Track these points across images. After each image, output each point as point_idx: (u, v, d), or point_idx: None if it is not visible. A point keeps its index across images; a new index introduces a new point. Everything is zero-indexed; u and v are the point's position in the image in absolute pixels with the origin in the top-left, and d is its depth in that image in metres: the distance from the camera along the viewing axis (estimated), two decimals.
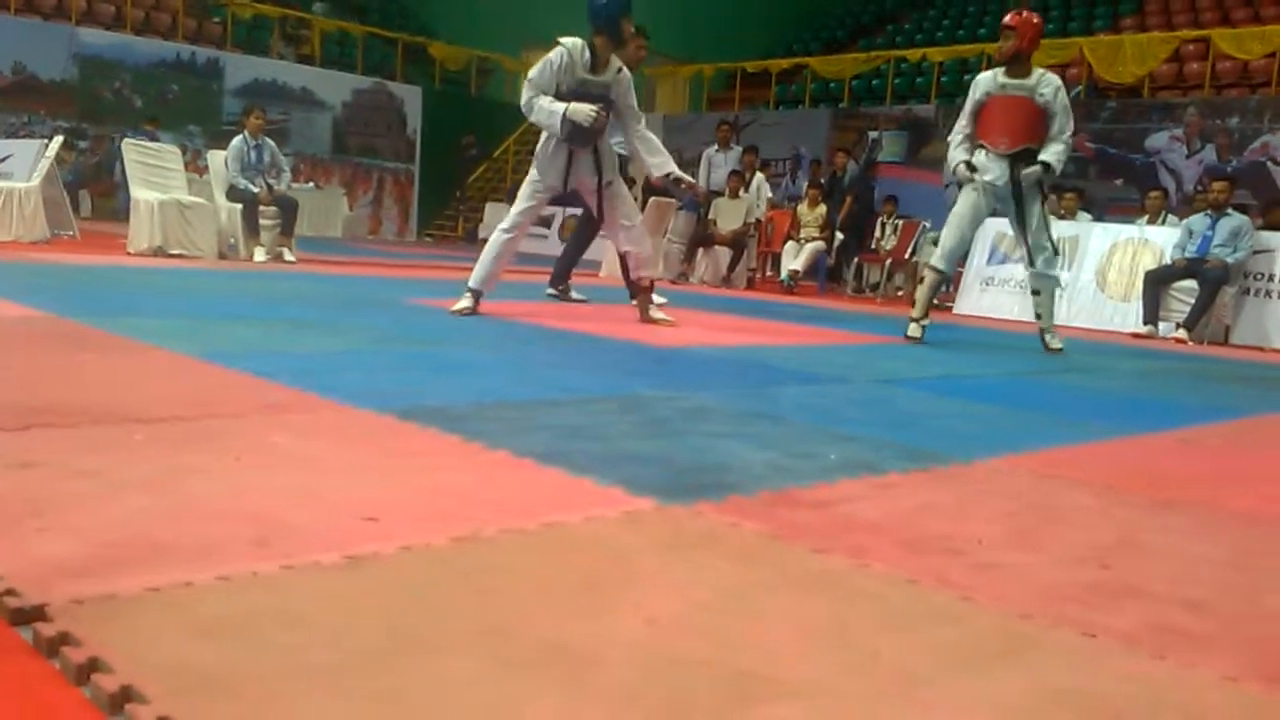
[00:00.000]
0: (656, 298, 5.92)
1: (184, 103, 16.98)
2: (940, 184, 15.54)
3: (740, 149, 11.91)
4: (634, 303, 5.79)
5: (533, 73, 5.09)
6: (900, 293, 11.48)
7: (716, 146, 11.64)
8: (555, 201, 5.47)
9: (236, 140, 8.82)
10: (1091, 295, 8.64)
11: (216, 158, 9.07)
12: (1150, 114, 14.02)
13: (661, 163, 5.26)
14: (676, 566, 1.57)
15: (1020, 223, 5.65)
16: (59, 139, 9.28)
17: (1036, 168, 5.48)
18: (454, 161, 19.87)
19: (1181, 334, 7.59)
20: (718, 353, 4.64)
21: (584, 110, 4.95)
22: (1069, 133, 5.52)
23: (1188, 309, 7.70)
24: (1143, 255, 8.45)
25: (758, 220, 11.31)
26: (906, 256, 11.03)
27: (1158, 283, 7.96)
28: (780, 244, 11.33)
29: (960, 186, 5.78)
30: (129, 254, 7.85)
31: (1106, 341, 7.32)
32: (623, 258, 5.86)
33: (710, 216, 11.07)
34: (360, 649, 1.18)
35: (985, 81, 5.64)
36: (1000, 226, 9.47)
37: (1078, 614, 1.48)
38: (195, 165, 13.33)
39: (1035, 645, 1.37)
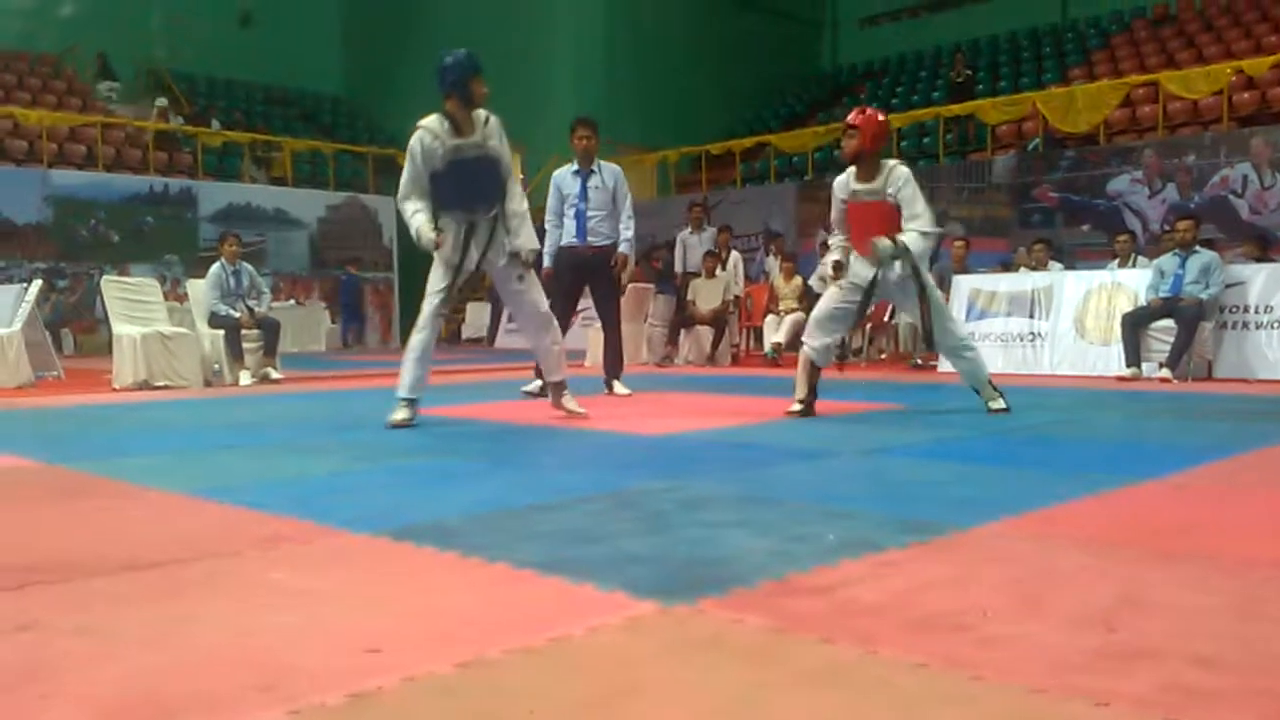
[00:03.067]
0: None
1: (160, 233, 17.19)
2: None
3: (714, 229, 12.13)
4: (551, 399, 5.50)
5: (404, 174, 5.08)
6: (883, 355, 11.55)
7: (690, 229, 11.84)
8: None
9: (214, 268, 8.90)
10: (1071, 342, 8.71)
11: (196, 286, 9.15)
12: (1109, 159, 14.29)
13: (522, 242, 5.16)
14: (684, 672, 1.56)
15: (913, 309, 5.49)
16: (38, 283, 9.32)
17: (888, 243, 5.21)
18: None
19: (1165, 373, 7.64)
20: (707, 437, 4.65)
21: (425, 236, 5.01)
22: (926, 215, 5.29)
23: (1168, 348, 7.76)
24: (1118, 299, 8.54)
25: (736, 297, 11.44)
26: (886, 319, 11.12)
27: (1136, 325, 8.04)
28: (761, 318, 11.43)
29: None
30: (115, 390, 7.86)
31: (1092, 388, 7.36)
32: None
33: (689, 298, 11.21)
34: None
35: (840, 187, 5.48)
36: (973, 283, 9.60)
37: (1089, 682, 1.48)
38: (176, 294, 13.43)
39: None
